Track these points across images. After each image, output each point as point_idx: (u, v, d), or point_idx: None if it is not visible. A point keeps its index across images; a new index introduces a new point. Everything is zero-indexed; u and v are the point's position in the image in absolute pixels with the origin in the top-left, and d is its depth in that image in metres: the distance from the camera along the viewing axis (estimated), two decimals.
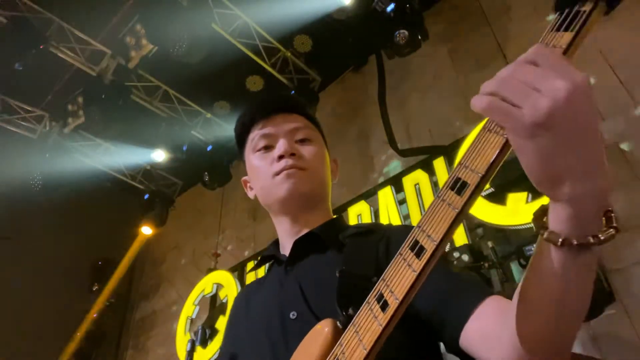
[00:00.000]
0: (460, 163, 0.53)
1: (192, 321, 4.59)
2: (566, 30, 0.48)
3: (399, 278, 0.56)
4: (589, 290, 0.52)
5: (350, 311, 0.68)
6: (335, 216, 1.08)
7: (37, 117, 5.15)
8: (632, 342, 2.34)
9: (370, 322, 0.58)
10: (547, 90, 0.44)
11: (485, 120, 0.52)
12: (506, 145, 0.49)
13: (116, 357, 5.85)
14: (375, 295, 0.60)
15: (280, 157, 0.99)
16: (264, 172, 1.02)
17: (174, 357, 4.62)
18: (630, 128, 2.78)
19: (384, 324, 0.56)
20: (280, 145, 1.00)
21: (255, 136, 1.05)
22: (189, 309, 4.62)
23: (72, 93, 4.90)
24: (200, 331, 3.95)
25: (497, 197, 2.85)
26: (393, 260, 0.58)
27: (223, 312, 4.29)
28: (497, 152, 0.50)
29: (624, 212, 2.61)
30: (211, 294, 4.54)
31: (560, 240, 0.47)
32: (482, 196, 2.78)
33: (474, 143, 0.52)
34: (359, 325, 0.61)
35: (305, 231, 1.00)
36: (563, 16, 0.49)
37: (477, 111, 0.48)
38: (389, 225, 1.01)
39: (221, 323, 4.23)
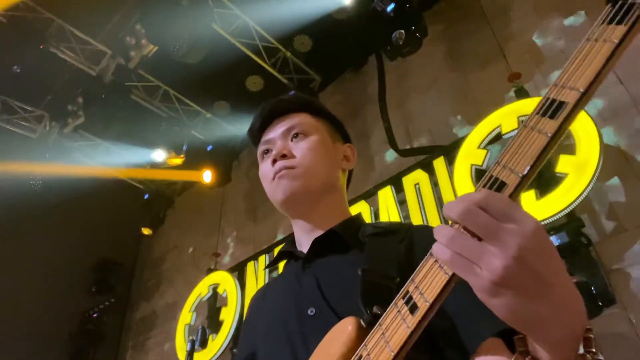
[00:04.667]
0: (498, 162, 0.51)
1: (190, 328, 4.56)
2: (619, 23, 0.45)
3: (430, 280, 0.54)
4: None
5: (375, 310, 0.68)
6: (352, 213, 1.07)
7: (37, 117, 5.14)
8: (632, 342, 2.34)
9: (397, 325, 0.57)
10: (499, 247, 0.44)
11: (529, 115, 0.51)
12: (549, 144, 0.48)
13: (116, 357, 5.86)
14: (403, 297, 0.57)
15: (274, 162, 1.01)
16: (265, 178, 1.05)
17: (174, 357, 4.62)
18: (631, 128, 2.78)
19: (412, 327, 0.54)
20: (273, 149, 1.03)
21: (260, 147, 1.09)
22: (186, 316, 4.59)
23: (72, 93, 4.90)
24: (200, 331, 3.96)
25: None
26: (423, 261, 0.56)
27: (225, 304, 4.26)
28: (540, 151, 0.47)
29: (624, 212, 2.61)
30: (208, 296, 4.54)
31: None
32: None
33: (512, 142, 0.50)
34: (385, 327, 0.59)
35: (321, 227, 1.00)
36: (616, 8, 0.46)
37: (440, 261, 0.50)
38: (410, 225, 1.00)
39: (225, 313, 4.21)
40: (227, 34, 4.26)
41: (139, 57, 4.50)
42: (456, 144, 3.32)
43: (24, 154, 4.98)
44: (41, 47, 4.13)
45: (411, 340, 0.55)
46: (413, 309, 0.55)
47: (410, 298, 0.56)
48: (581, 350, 0.49)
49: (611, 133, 2.81)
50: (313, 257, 0.96)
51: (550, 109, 0.49)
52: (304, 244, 1.02)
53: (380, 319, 0.61)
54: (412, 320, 0.54)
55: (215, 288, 4.49)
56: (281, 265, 1.12)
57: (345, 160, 1.10)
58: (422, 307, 0.53)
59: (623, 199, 2.65)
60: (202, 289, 4.54)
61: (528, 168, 0.48)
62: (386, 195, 3.62)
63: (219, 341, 4.11)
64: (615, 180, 2.70)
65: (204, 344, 4.09)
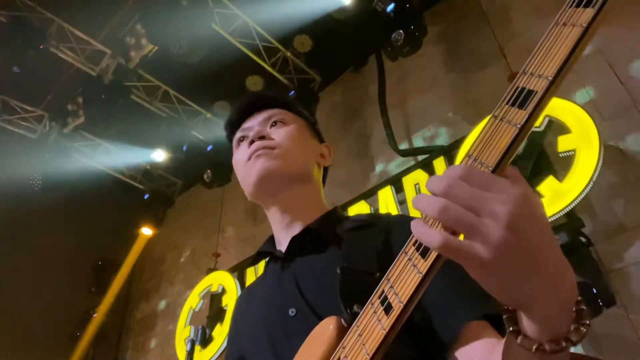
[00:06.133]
0: (469, 155, 0.49)
1: (194, 313, 4.59)
2: (587, 6, 0.44)
3: (404, 279, 0.52)
4: None
5: (355, 308, 0.67)
6: (330, 208, 1.06)
7: (37, 117, 5.14)
8: (632, 342, 2.34)
9: (373, 326, 0.55)
10: (490, 220, 0.42)
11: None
12: (519, 135, 0.46)
13: (116, 357, 5.85)
14: (379, 296, 0.56)
15: (251, 143, 0.99)
16: (239, 162, 1.02)
17: (174, 357, 4.62)
18: (630, 128, 2.78)
19: (387, 329, 0.53)
20: (252, 132, 1.01)
21: (237, 137, 1.08)
22: (194, 300, 4.62)
23: (72, 93, 4.90)
24: (200, 331, 3.96)
25: None
26: (397, 258, 0.54)
27: (221, 321, 4.26)
28: (509, 143, 0.46)
29: (624, 212, 2.61)
30: (217, 293, 4.54)
31: (534, 347, 0.46)
32: None
33: (482, 133, 0.49)
34: (362, 327, 0.58)
35: (298, 222, 0.99)
36: None
37: (431, 248, 0.46)
38: (388, 215, 0.98)
39: (218, 332, 4.21)
40: (227, 34, 4.25)
41: (139, 57, 4.50)
42: (456, 144, 3.32)
43: (24, 154, 4.97)
44: (41, 47, 4.13)
45: (387, 341, 0.54)
46: (388, 309, 0.54)
47: (386, 298, 0.55)
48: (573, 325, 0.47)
49: (611, 133, 2.80)
50: (292, 256, 0.95)
51: (519, 98, 0.47)
52: (282, 242, 1.00)
53: (357, 318, 0.60)
54: (387, 322, 0.53)
55: (224, 288, 4.49)
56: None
57: (321, 157, 1.10)
58: (397, 307, 0.52)
59: (623, 199, 2.65)
60: (212, 281, 4.56)
61: (497, 162, 0.46)
62: (386, 195, 3.62)
63: (214, 347, 4.12)
64: (615, 180, 2.70)
65: (204, 344, 4.09)
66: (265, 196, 1.01)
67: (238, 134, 1.07)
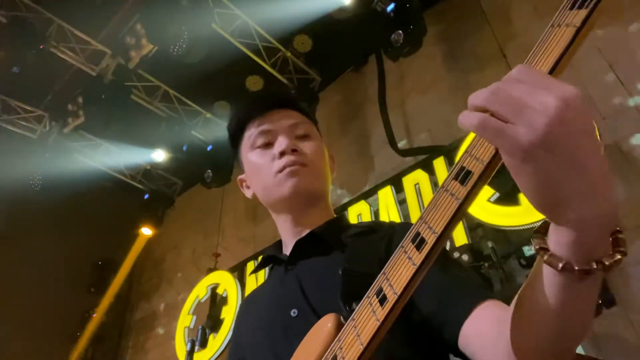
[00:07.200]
0: (466, 151, 0.50)
1: (189, 331, 4.59)
2: (580, 7, 0.45)
3: (399, 272, 0.53)
4: (590, 312, 0.49)
5: (354, 306, 0.68)
6: (336, 216, 1.08)
7: (37, 117, 5.15)
8: (632, 342, 2.34)
9: (368, 317, 0.56)
10: (540, 107, 0.40)
11: None
12: None
13: (116, 357, 5.85)
14: (375, 290, 0.57)
15: (282, 154, 0.98)
16: (265, 170, 1.00)
17: (174, 357, 4.62)
18: (630, 128, 2.78)
19: (381, 319, 0.53)
20: (282, 142, 0.99)
21: (253, 133, 1.04)
22: (185, 318, 4.62)
23: (72, 93, 4.90)
24: (200, 332, 3.95)
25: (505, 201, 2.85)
26: (394, 253, 0.56)
27: (216, 331, 4.26)
28: None
29: (623, 212, 2.61)
30: (206, 297, 4.56)
31: (560, 265, 0.44)
32: (490, 201, 2.81)
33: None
34: (357, 320, 0.58)
35: (307, 230, 1.00)
36: None
37: (466, 129, 0.45)
38: (392, 223, 1.00)
39: (226, 312, 4.23)
40: (227, 34, 4.25)
41: (139, 57, 4.50)
42: (456, 144, 3.32)
43: (24, 154, 4.97)
44: (41, 47, 4.13)
45: (381, 333, 0.54)
46: (382, 300, 0.54)
47: (381, 290, 0.56)
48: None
49: (611, 133, 2.81)
50: (296, 259, 0.96)
51: None
52: (289, 246, 1.01)
53: (354, 313, 0.61)
54: (381, 313, 0.54)
55: (213, 288, 4.50)
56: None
57: (330, 169, 1.12)
58: (391, 298, 0.53)
59: (623, 199, 2.65)
60: (220, 280, 4.56)
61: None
62: (386, 195, 3.62)
63: (223, 333, 4.13)
64: (614, 181, 2.70)
65: (204, 344, 4.09)
66: (288, 210, 1.02)
67: (260, 137, 1.03)
